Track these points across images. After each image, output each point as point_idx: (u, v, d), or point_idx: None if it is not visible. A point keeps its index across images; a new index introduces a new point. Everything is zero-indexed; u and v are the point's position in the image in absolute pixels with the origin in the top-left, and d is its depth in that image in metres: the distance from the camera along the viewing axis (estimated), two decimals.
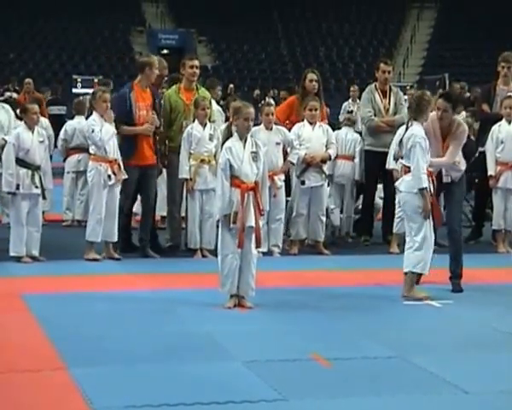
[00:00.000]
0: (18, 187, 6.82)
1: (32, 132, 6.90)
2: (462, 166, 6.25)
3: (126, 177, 7.07)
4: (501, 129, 7.80)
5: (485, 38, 24.45)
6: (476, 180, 8.62)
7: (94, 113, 7.03)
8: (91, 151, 7.04)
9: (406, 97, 10.58)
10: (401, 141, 5.91)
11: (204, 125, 7.24)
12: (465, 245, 8.22)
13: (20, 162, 6.84)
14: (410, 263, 5.79)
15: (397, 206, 7.52)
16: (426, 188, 5.67)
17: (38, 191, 6.88)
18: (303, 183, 7.49)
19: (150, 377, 4.01)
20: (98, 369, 4.12)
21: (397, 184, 5.97)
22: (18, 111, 7.33)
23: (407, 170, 5.82)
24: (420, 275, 5.95)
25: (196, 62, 7.48)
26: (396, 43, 27.72)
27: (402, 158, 5.93)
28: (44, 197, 7.05)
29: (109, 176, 6.94)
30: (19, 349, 4.48)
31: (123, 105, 7.08)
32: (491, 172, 7.80)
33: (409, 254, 5.79)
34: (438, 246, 7.99)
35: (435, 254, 6.04)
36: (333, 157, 7.72)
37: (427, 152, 5.78)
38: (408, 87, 18.22)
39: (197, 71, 7.44)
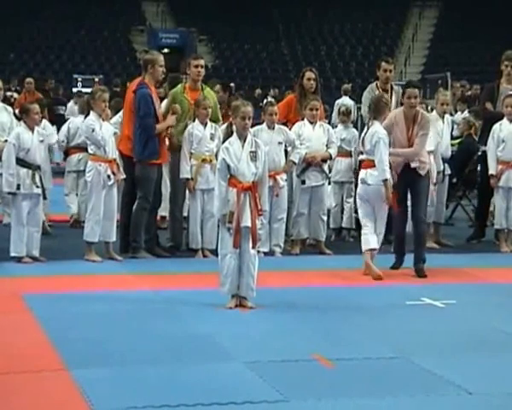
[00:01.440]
0: (19, 187, 6.79)
1: (32, 132, 6.88)
2: (426, 158, 6.80)
3: (124, 176, 7.07)
4: (502, 128, 7.76)
5: (487, 36, 24.40)
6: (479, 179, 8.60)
7: (92, 112, 7.00)
8: (90, 151, 7.01)
9: None
10: (363, 139, 6.60)
11: (205, 125, 7.22)
12: (467, 244, 8.23)
13: (21, 162, 6.82)
14: (368, 244, 6.48)
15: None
16: (388, 179, 6.40)
17: (39, 191, 6.86)
18: (303, 182, 7.46)
19: (151, 378, 3.99)
20: (99, 370, 4.10)
21: (362, 177, 6.50)
22: (17, 111, 7.30)
23: (371, 164, 6.47)
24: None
25: (201, 62, 7.47)
26: (398, 41, 27.67)
27: (362, 154, 6.68)
28: (45, 197, 7.03)
29: (109, 176, 6.93)
30: (19, 350, 4.46)
31: (150, 104, 7.04)
32: (492, 171, 7.76)
33: (369, 237, 6.50)
34: (440, 245, 8.02)
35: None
36: (334, 156, 7.69)
37: (389, 147, 6.54)
38: None
39: (202, 70, 7.41)
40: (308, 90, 7.77)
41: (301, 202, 7.49)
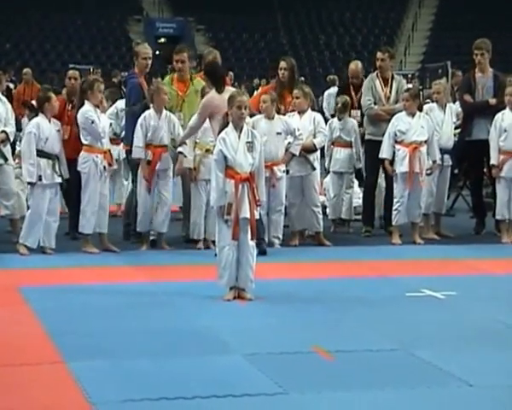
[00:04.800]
0: (40, 178, 6.73)
1: (49, 122, 6.84)
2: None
3: (116, 167, 7.08)
4: (504, 117, 7.69)
5: (487, 25, 24.28)
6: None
7: (87, 103, 6.92)
8: (85, 141, 6.93)
9: (410, 85, 10.49)
10: None
11: None
12: (468, 235, 8.17)
13: (40, 153, 6.77)
14: None
15: (394, 199, 7.49)
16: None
17: (60, 180, 6.82)
18: (287, 172, 7.39)
19: (149, 370, 3.96)
20: (96, 363, 4.07)
21: None
22: (36, 100, 7.23)
23: None
24: None
25: (183, 56, 7.32)
26: (397, 31, 27.58)
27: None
28: (65, 187, 6.97)
29: (104, 167, 6.88)
30: (16, 343, 4.43)
31: (138, 94, 7.13)
32: (494, 161, 7.70)
33: None
34: (440, 236, 7.98)
35: None
36: (319, 146, 7.49)
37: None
38: (410, 76, 18.10)
39: (183, 65, 7.28)
40: (280, 79, 7.72)
41: (290, 193, 7.42)
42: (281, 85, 7.75)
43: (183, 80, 7.33)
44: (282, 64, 7.80)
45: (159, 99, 6.97)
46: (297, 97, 7.40)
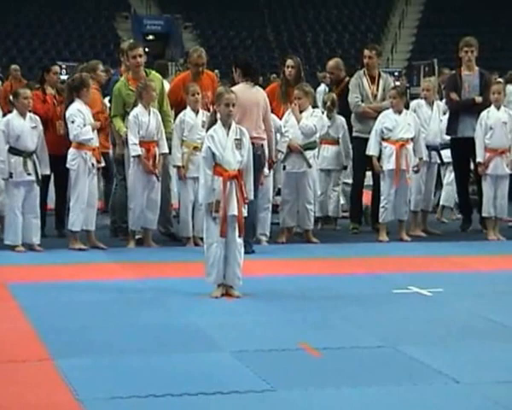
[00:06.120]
0: (11, 175, 6.70)
1: (24, 118, 6.77)
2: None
3: (104, 164, 7.07)
4: (490, 115, 7.73)
5: (475, 22, 24.40)
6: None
7: (78, 100, 6.90)
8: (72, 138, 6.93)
9: (398, 83, 10.53)
10: None
11: (196, 112, 7.14)
12: (455, 233, 8.22)
13: (11, 150, 6.73)
14: None
15: (381, 196, 7.51)
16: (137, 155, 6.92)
17: (32, 178, 6.76)
18: (284, 168, 7.40)
19: (137, 368, 3.95)
20: (84, 360, 4.06)
21: None
22: (11, 97, 7.21)
23: None
24: None
25: (139, 51, 7.21)
26: (384, 28, 27.62)
27: None
28: (39, 184, 6.93)
29: (93, 164, 6.87)
30: (3, 340, 4.42)
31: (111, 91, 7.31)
32: (479, 158, 7.75)
33: None
34: (427, 234, 8.02)
35: None
36: (302, 124, 7.36)
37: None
38: (397, 73, 18.17)
39: (140, 59, 7.16)
40: (286, 77, 7.72)
41: (285, 189, 7.44)
42: (286, 83, 7.74)
43: (138, 78, 7.17)
44: (289, 62, 7.79)
45: (147, 96, 6.95)
46: (299, 98, 7.39)
